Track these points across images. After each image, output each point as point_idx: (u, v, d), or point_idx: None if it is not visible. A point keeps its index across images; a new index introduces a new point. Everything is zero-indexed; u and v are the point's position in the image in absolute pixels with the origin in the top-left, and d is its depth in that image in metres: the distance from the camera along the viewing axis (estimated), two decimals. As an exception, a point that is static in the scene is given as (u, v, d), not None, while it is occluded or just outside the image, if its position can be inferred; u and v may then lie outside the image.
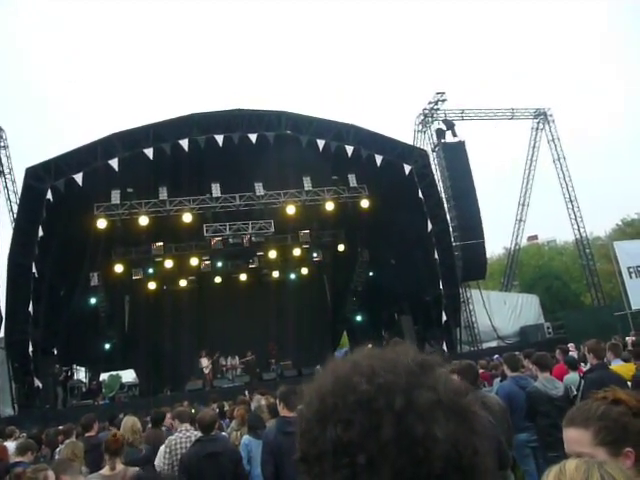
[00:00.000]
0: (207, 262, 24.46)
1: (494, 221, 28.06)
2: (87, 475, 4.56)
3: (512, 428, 4.86)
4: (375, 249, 24.40)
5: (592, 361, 6.09)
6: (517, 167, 27.95)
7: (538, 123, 26.66)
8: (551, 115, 26.43)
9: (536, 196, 27.44)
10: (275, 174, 20.54)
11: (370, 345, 1.00)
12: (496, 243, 58.25)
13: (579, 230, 26.25)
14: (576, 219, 26.12)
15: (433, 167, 22.34)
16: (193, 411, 8.77)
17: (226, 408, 9.98)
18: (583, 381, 5.98)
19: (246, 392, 14.17)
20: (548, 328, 23.14)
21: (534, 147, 26.88)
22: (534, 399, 5.65)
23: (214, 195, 20.18)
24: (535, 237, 54.52)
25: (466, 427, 0.79)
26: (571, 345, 12.84)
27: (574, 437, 1.76)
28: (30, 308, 17.78)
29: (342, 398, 0.79)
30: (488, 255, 26.15)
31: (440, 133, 23.53)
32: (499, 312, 23.69)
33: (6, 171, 20.97)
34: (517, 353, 8.34)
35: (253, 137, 19.08)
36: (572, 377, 6.82)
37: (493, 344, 22.76)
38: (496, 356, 15.13)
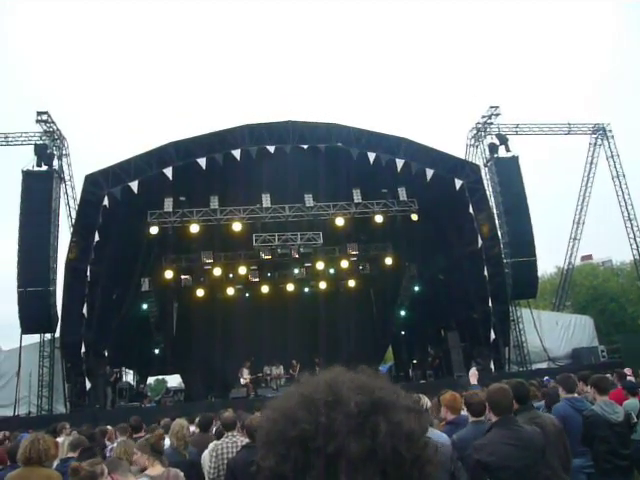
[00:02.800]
0: (255, 271, 24.71)
1: (547, 239, 27.42)
2: (136, 474, 4.63)
3: (569, 451, 4.67)
4: (423, 263, 24.09)
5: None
6: (573, 184, 27.21)
7: (596, 139, 25.89)
8: (610, 131, 25.60)
9: (592, 214, 26.64)
10: (325, 186, 20.60)
11: (339, 367, 1.02)
12: (548, 261, 56.88)
13: (638, 250, 25.25)
14: (635, 239, 25.13)
15: (485, 182, 21.96)
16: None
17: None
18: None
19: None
20: (602, 351, 22.32)
21: (591, 163, 26.12)
22: (592, 423, 5.33)
23: (264, 205, 20.39)
24: (589, 257, 52.83)
25: (404, 477, 0.80)
26: (628, 370, 12.32)
27: None
28: (84, 310, 18.36)
29: (283, 431, 0.83)
30: (539, 274, 25.46)
31: (493, 148, 23.13)
32: (550, 333, 22.99)
33: (67, 178, 21.78)
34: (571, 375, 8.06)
35: (304, 148, 19.24)
36: (632, 403, 6.52)
37: (543, 365, 22.08)
38: (546, 378, 14.65)
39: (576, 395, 6.22)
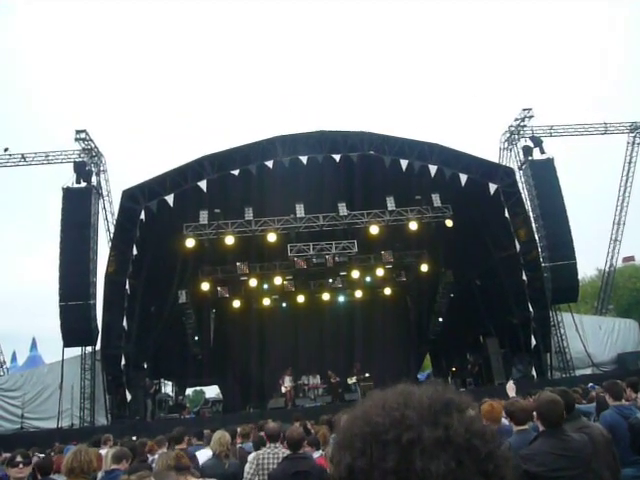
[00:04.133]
0: (291, 281, 24.81)
1: (586, 241, 26.73)
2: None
3: (618, 460, 4.53)
4: (459, 269, 23.84)
5: None
6: (612, 184, 26.61)
7: (634, 137, 25.31)
8: (649, 128, 25.02)
9: (632, 214, 25.97)
10: (358, 194, 20.63)
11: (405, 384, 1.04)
12: (588, 264, 55.32)
13: (682, 250, 24.49)
14: (678, 239, 24.43)
15: (520, 185, 21.62)
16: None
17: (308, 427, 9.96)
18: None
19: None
20: (649, 356, 21.67)
21: (630, 162, 25.52)
22: (638, 430, 5.24)
23: (298, 215, 20.48)
24: (632, 258, 51.23)
25: (475, 470, 0.80)
26: (677, 375, 11.93)
27: None
28: (124, 323, 18.69)
29: (359, 429, 0.87)
30: (580, 277, 24.90)
31: (527, 150, 22.78)
32: (594, 337, 22.41)
33: (104, 194, 22.28)
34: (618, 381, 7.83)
35: (337, 157, 19.30)
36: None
37: (587, 371, 21.53)
38: (591, 384, 14.29)
39: (624, 402, 6.05)
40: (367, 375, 22.11)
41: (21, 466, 4.52)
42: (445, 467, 0.78)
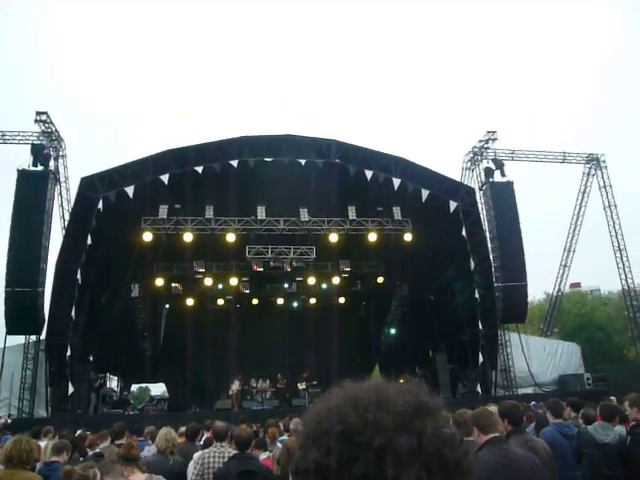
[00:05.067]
0: (246, 283, 24.66)
1: (537, 264, 27.48)
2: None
3: (557, 478, 4.67)
4: (414, 283, 24.16)
5: (636, 415, 5.82)
6: (565, 211, 27.45)
7: (590, 168, 26.19)
8: (604, 161, 25.90)
9: (583, 242, 26.84)
10: (321, 201, 20.66)
11: (380, 378, 1.04)
12: (537, 287, 56.99)
13: (627, 280, 25.43)
14: (624, 269, 25.34)
15: (479, 206, 22.10)
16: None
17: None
18: (630, 437, 5.72)
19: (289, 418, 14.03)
20: (588, 379, 22.35)
21: (584, 192, 26.40)
22: (581, 440, 5.58)
23: (259, 217, 20.41)
24: (578, 284, 52.99)
25: (448, 478, 0.81)
26: (613, 398, 12.37)
27: None
28: (72, 313, 18.19)
29: (330, 425, 0.84)
30: (529, 299, 25.57)
31: (489, 172, 23.30)
32: (537, 358, 23.03)
33: (62, 180, 21.70)
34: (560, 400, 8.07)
35: (302, 162, 19.33)
36: (619, 429, 6.55)
37: (529, 390, 22.09)
38: (533, 402, 14.66)
39: (563, 421, 6.24)
40: (315, 383, 22.12)
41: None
42: (415, 477, 0.78)
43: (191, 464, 6.24)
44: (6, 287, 18.87)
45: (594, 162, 26.03)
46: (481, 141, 23.70)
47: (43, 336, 19.55)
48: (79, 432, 11.11)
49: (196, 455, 6.26)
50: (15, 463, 4.43)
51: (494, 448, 3.70)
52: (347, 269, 23.60)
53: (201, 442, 7.42)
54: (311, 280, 24.49)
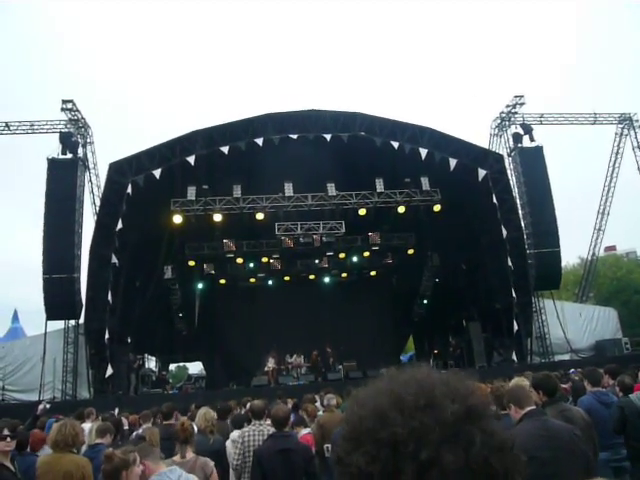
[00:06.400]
0: (277, 260, 24.77)
1: (570, 229, 26.97)
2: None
3: (597, 445, 4.61)
4: (445, 254, 23.95)
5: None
6: (598, 174, 26.78)
7: (622, 129, 25.44)
8: (637, 120, 25.14)
9: (617, 205, 26.21)
10: (348, 175, 20.53)
11: (427, 365, 0.99)
12: (571, 252, 56.02)
13: (663, 242, 24.79)
14: (661, 230, 24.71)
15: (509, 172, 21.72)
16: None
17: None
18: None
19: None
20: (626, 344, 22.09)
21: (617, 153, 25.68)
22: (624, 410, 5.45)
23: (287, 194, 20.35)
24: (613, 248, 52.02)
25: None
26: (654, 363, 12.18)
27: None
28: (109, 297, 18.56)
29: (374, 431, 0.81)
30: (563, 264, 25.18)
31: (517, 137, 22.84)
32: (573, 324, 22.77)
33: (91, 166, 21.97)
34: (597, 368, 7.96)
35: (327, 137, 19.18)
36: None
37: (566, 357, 21.92)
38: (572, 370, 14.51)
39: (601, 389, 6.15)
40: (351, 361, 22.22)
41: (8, 440, 4.45)
42: None
43: (229, 443, 6.35)
44: (44, 274, 19.35)
45: (627, 122, 25.27)
46: (508, 106, 23.20)
47: (82, 320, 20.04)
48: (116, 410, 11.44)
49: (235, 434, 6.36)
50: (62, 447, 4.58)
51: (532, 420, 3.68)
52: (377, 242, 23.47)
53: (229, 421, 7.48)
54: (342, 254, 24.49)
